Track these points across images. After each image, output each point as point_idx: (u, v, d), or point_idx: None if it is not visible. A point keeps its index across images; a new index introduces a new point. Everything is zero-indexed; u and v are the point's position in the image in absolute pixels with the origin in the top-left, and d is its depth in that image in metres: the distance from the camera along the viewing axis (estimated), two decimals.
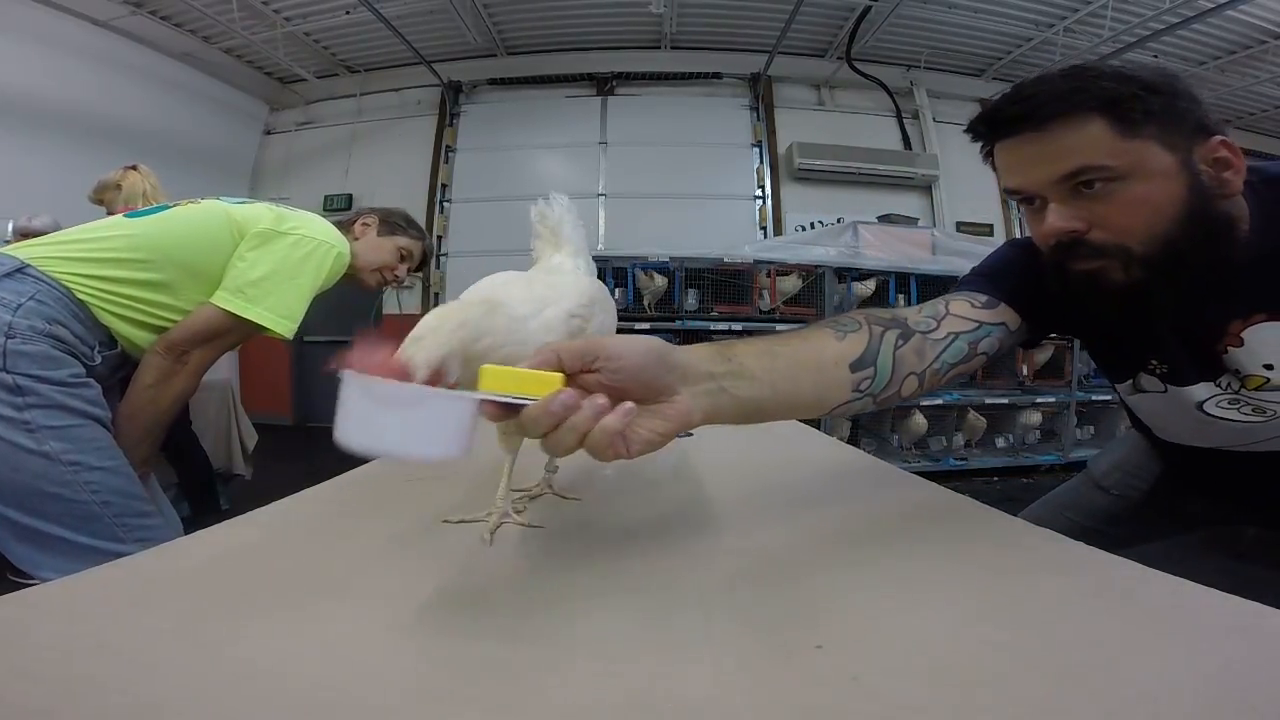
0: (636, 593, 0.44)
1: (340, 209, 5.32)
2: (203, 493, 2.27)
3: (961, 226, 5.06)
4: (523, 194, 5.46)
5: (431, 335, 0.44)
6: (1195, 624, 0.39)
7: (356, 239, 1.23)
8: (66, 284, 0.90)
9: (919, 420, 3.61)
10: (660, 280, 3.61)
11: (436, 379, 0.42)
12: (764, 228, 5.21)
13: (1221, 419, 0.67)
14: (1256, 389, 0.63)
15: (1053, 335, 0.75)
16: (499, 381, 0.40)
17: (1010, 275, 0.70)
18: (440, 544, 0.54)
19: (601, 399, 0.40)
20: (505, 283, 0.62)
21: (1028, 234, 0.66)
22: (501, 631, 0.38)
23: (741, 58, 5.23)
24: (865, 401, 0.58)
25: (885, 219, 4.17)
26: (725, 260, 3.72)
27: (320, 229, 1.10)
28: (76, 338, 0.90)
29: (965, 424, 3.75)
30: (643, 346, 0.43)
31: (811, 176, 5.16)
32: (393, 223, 1.27)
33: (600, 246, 5.04)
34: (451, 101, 5.39)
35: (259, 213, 1.06)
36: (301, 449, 4.30)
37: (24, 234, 2.56)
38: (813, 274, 3.67)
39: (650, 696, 0.30)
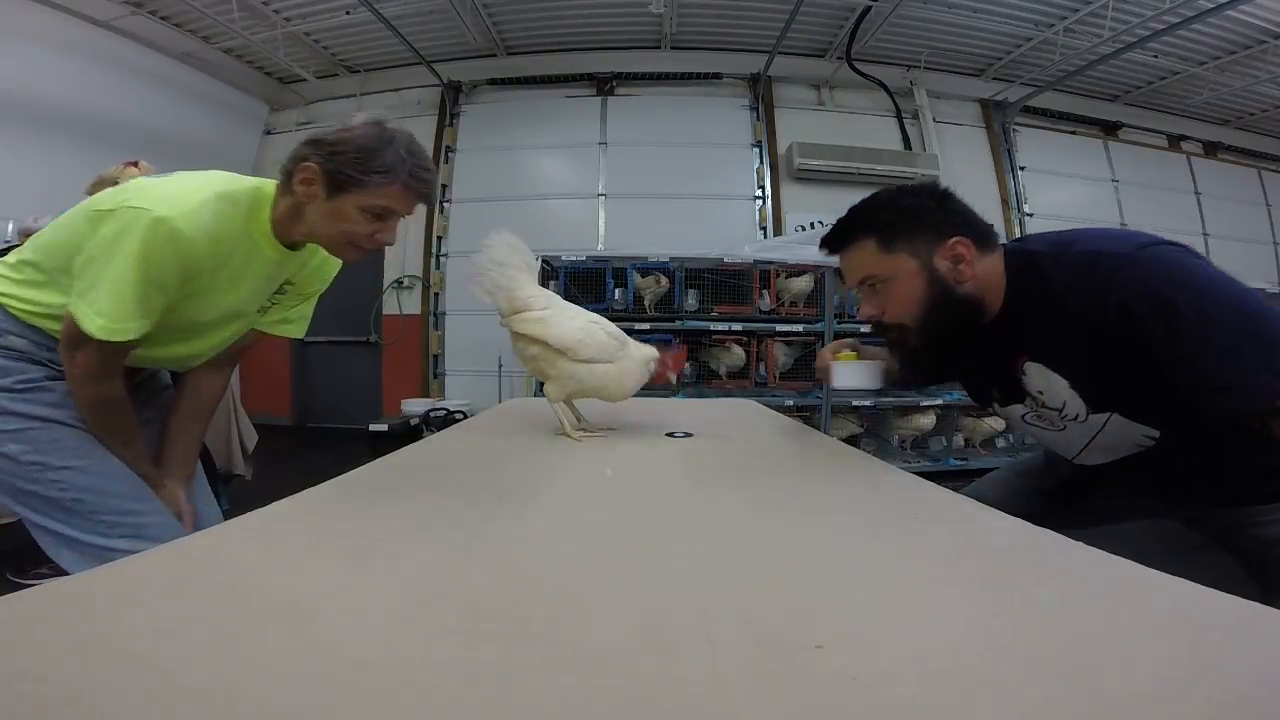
0: (636, 593, 0.44)
1: None
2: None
3: None
4: (523, 194, 5.47)
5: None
6: (1195, 624, 0.39)
7: (303, 203, 0.91)
8: (2, 303, 0.90)
9: (920, 420, 3.61)
10: (664, 282, 3.61)
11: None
12: (764, 228, 5.20)
13: (1038, 428, 0.92)
14: (1041, 408, 0.87)
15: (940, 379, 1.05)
16: (851, 357, 1.09)
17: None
18: (439, 544, 0.54)
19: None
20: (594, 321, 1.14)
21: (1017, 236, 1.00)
22: (501, 632, 0.37)
23: (741, 58, 5.23)
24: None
25: None
26: (725, 260, 3.72)
27: (152, 193, 0.84)
28: (35, 345, 0.91)
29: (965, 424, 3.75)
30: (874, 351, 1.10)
31: (811, 176, 5.15)
32: (340, 173, 0.87)
33: (600, 247, 5.04)
34: (451, 101, 5.39)
35: (120, 189, 0.88)
36: (301, 449, 4.30)
37: (28, 234, 2.56)
38: (816, 274, 3.67)
39: (650, 696, 0.30)
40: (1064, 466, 1.04)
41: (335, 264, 1.11)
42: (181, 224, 0.82)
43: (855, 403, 3.63)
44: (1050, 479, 1.06)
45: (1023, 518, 0.60)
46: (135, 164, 2.09)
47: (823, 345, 3.59)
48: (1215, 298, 0.68)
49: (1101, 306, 0.72)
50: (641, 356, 1.12)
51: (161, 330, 0.91)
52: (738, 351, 3.64)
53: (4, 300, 0.90)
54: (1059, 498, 1.03)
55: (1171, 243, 0.75)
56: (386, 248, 1.00)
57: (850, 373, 1.10)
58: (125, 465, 0.95)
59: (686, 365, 3.33)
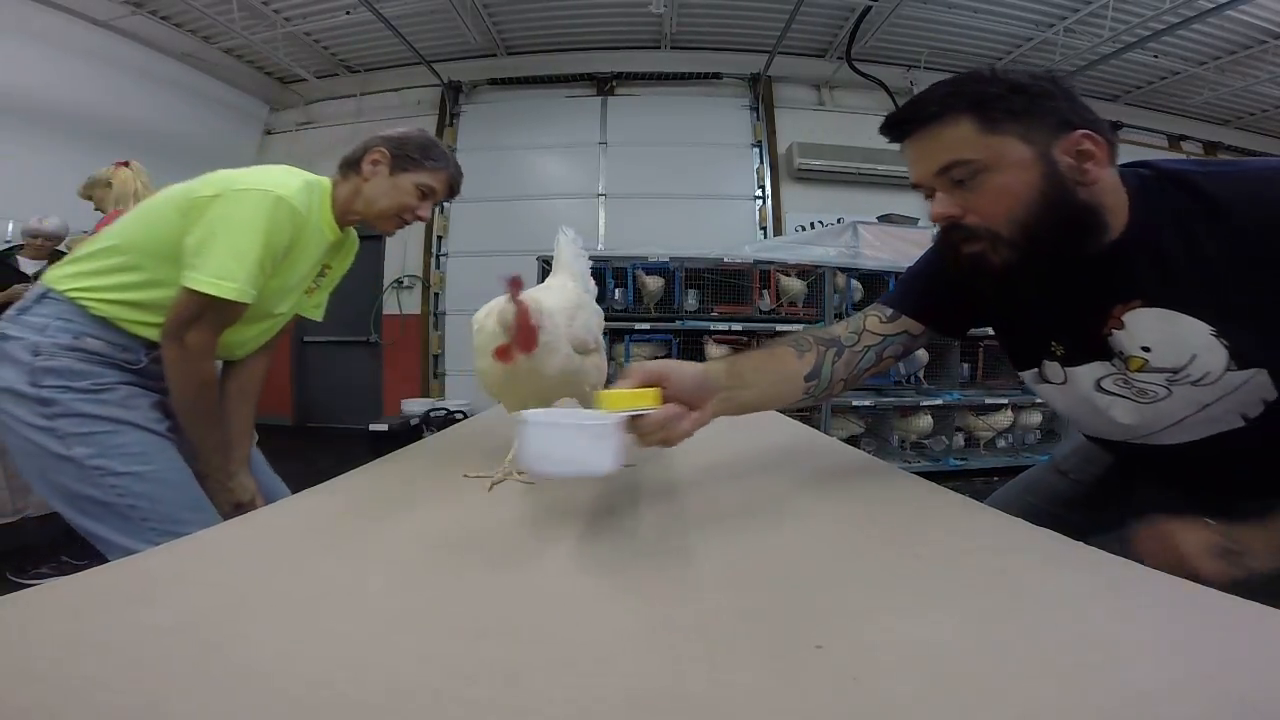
0: (636, 593, 0.44)
1: None
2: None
3: None
4: (523, 194, 5.46)
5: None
6: (1195, 624, 0.39)
7: (366, 180, 1.08)
8: (81, 302, 0.96)
9: (920, 421, 3.62)
10: (657, 282, 3.61)
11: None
12: (764, 228, 5.20)
13: (1116, 395, 0.72)
14: (1137, 370, 0.68)
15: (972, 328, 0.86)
16: (619, 402, 0.56)
17: (915, 289, 0.84)
18: (439, 545, 0.54)
19: (683, 409, 0.61)
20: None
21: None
22: (501, 631, 0.37)
23: (741, 58, 5.23)
24: (809, 399, 0.81)
25: (885, 219, 4.15)
26: (725, 260, 3.72)
27: (262, 178, 0.97)
28: (111, 346, 0.97)
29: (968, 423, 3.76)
30: (692, 372, 0.64)
31: (811, 176, 5.15)
32: (404, 155, 1.07)
33: (600, 246, 5.03)
34: (451, 101, 5.39)
35: (208, 180, 0.98)
36: (301, 449, 4.30)
37: (34, 235, 2.56)
38: (814, 274, 3.67)
39: (650, 696, 0.30)
40: (1072, 475, 0.96)
41: (354, 249, 1.23)
42: (295, 201, 0.97)
43: (855, 403, 3.63)
44: (1063, 489, 0.96)
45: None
46: (127, 164, 2.09)
47: None
48: None
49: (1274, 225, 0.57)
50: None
51: None
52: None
53: (82, 296, 0.96)
54: (1081, 505, 0.93)
55: None
56: (386, 248, 1.21)
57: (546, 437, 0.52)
58: (181, 471, 0.99)
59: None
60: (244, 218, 0.93)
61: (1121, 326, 0.67)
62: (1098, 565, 0.49)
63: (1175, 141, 5.85)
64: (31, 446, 0.92)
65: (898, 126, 0.69)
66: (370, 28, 4.60)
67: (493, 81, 5.42)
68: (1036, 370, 0.78)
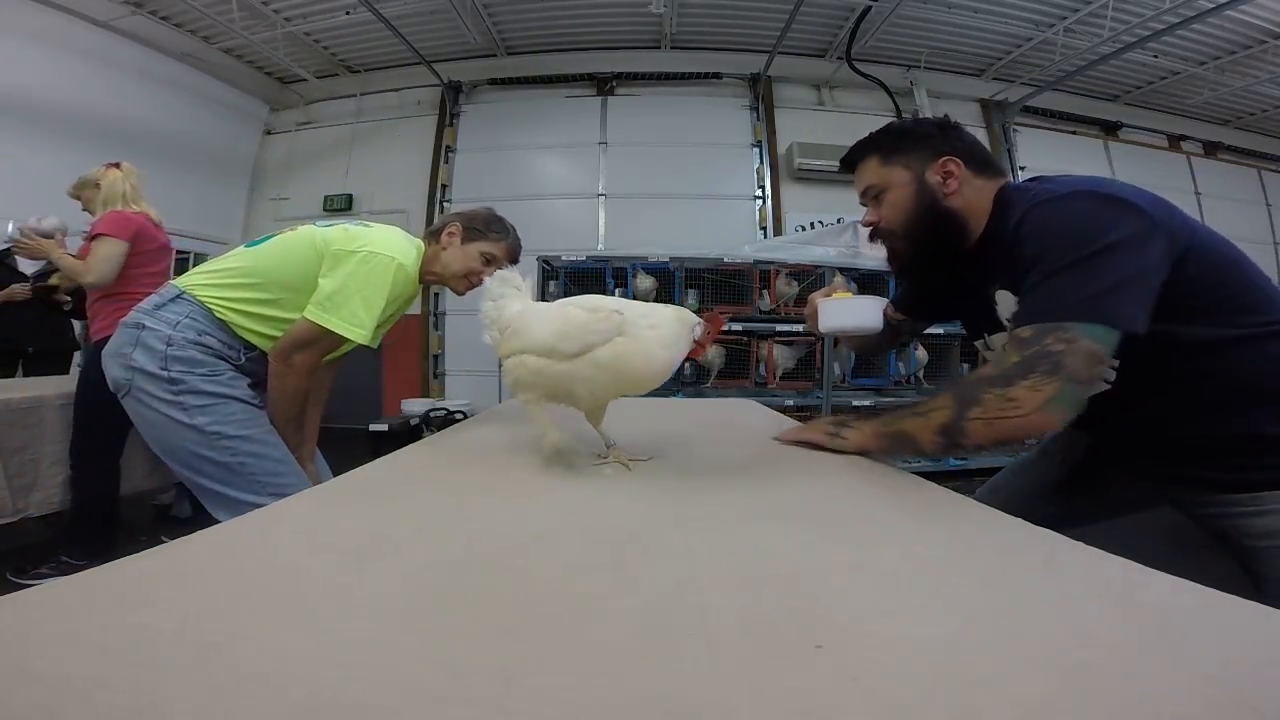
0: (636, 593, 0.44)
1: (340, 209, 5.32)
2: None
3: None
4: (523, 194, 5.47)
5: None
6: (1195, 624, 0.39)
7: (444, 248, 1.33)
8: (209, 305, 1.21)
9: None
10: (648, 281, 3.61)
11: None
12: (764, 228, 5.21)
13: None
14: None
15: (935, 318, 1.20)
16: (847, 296, 1.09)
17: (903, 292, 1.19)
18: (439, 545, 0.54)
19: None
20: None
21: None
22: (501, 632, 0.37)
23: (741, 58, 5.23)
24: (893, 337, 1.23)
25: None
26: (725, 260, 3.72)
27: (383, 242, 1.23)
28: (222, 344, 1.22)
29: None
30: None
31: (811, 176, 5.15)
32: (473, 229, 1.34)
33: (600, 247, 5.04)
34: (451, 101, 5.39)
35: (336, 234, 1.25)
36: None
37: (43, 234, 2.56)
38: (811, 276, 3.68)
39: (650, 696, 0.30)
40: (1058, 457, 1.05)
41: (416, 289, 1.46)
42: (411, 270, 1.27)
43: (855, 403, 3.63)
44: (1047, 471, 1.07)
45: (1025, 518, 0.60)
46: (117, 165, 2.09)
47: (822, 345, 3.62)
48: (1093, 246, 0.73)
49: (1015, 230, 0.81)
50: (677, 319, 0.83)
51: None
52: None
53: (211, 300, 1.22)
54: (1059, 491, 1.03)
55: (1121, 198, 0.77)
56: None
57: (839, 310, 0.99)
58: (274, 434, 1.24)
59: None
60: (376, 279, 1.19)
61: (996, 302, 0.90)
62: (1097, 565, 0.49)
63: (1175, 141, 5.86)
64: (160, 418, 1.16)
65: (845, 163, 1.02)
66: (370, 28, 4.60)
67: (493, 81, 5.43)
68: (984, 340, 1.00)
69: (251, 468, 1.18)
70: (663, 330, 0.81)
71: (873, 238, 0.99)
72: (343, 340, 1.19)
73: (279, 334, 1.23)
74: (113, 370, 1.18)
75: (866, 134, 0.99)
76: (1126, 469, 0.94)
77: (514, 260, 1.37)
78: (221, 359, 1.21)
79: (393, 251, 1.22)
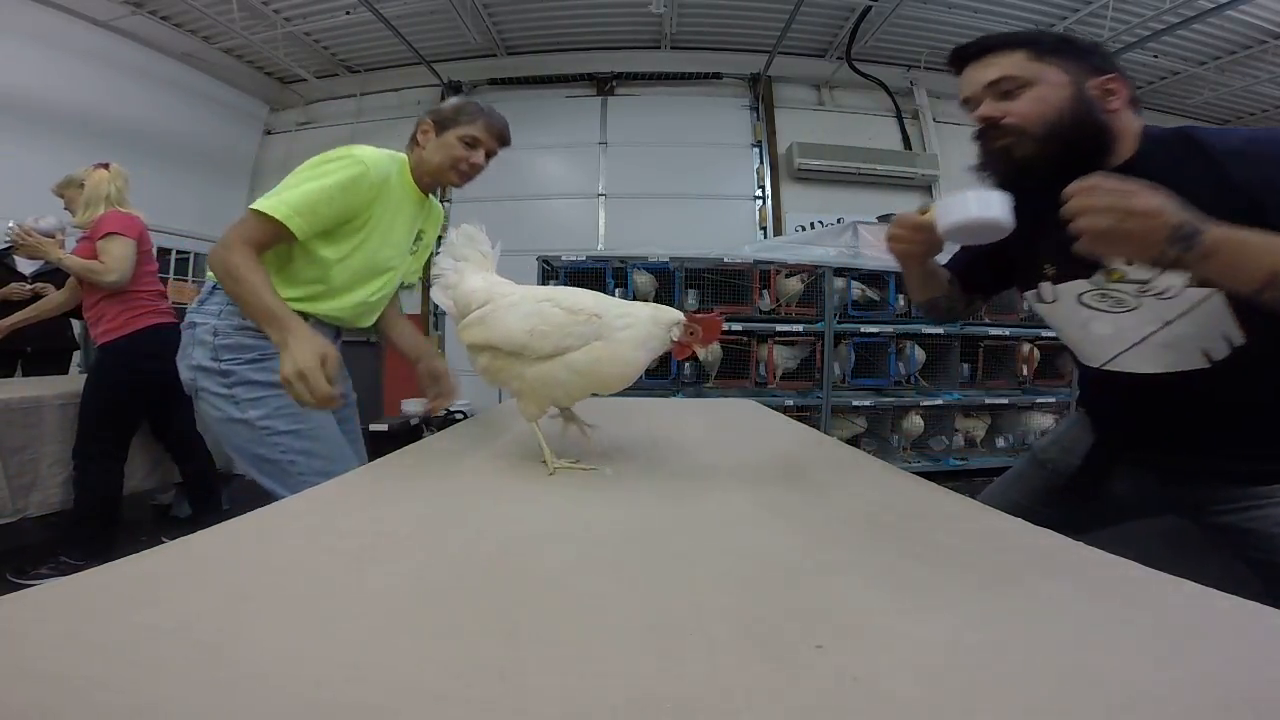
0: (636, 593, 0.44)
1: None
2: (204, 493, 2.28)
3: None
4: (523, 194, 5.46)
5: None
6: (1196, 624, 0.39)
7: (423, 148, 1.26)
8: None
9: (916, 421, 3.62)
10: (644, 278, 3.61)
11: None
12: (764, 228, 5.20)
13: (1095, 310, 0.86)
14: (1117, 281, 0.82)
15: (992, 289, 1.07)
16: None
17: (957, 265, 1.07)
18: (438, 545, 0.54)
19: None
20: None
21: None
22: (501, 631, 0.37)
23: (741, 58, 5.23)
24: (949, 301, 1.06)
25: (885, 219, 4.15)
26: (725, 260, 3.72)
27: (359, 149, 1.17)
28: None
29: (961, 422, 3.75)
30: None
31: (811, 176, 5.15)
32: (442, 120, 1.25)
33: (600, 246, 5.04)
34: None
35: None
36: None
37: (46, 234, 2.56)
38: (813, 274, 3.68)
39: (650, 696, 0.30)
40: (1058, 463, 1.02)
41: (440, 217, 1.44)
42: (377, 175, 1.16)
43: (855, 402, 3.62)
44: (1047, 480, 1.04)
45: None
46: (105, 165, 2.09)
47: (822, 345, 3.62)
48: None
49: (1268, 183, 0.69)
50: (651, 319, 0.83)
51: (344, 273, 1.20)
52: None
53: None
54: (1057, 499, 1.00)
55: None
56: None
57: (964, 203, 0.78)
58: (327, 430, 1.20)
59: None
60: (328, 170, 1.11)
61: None
62: (1097, 565, 0.49)
63: None
64: (219, 414, 1.15)
65: (962, 54, 0.87)
66: (370, 28, 4.60)
67: (493, 81, 5.42)
68: (1036, 291, 0.92)
69: (301, 467, 1.15)
70: (636, 330, 0.82)
71: (980, 136, 0.86)
72: (268, 228, 1.07)
73: (319, 289, 1.20)
74: (184, 374, 1.19)
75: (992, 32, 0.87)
76: (1144, 469, 0.89)
77: (503, 140, 1.28)
78: (268, 339, 1.12)
79: (361, 155, 1.14)
